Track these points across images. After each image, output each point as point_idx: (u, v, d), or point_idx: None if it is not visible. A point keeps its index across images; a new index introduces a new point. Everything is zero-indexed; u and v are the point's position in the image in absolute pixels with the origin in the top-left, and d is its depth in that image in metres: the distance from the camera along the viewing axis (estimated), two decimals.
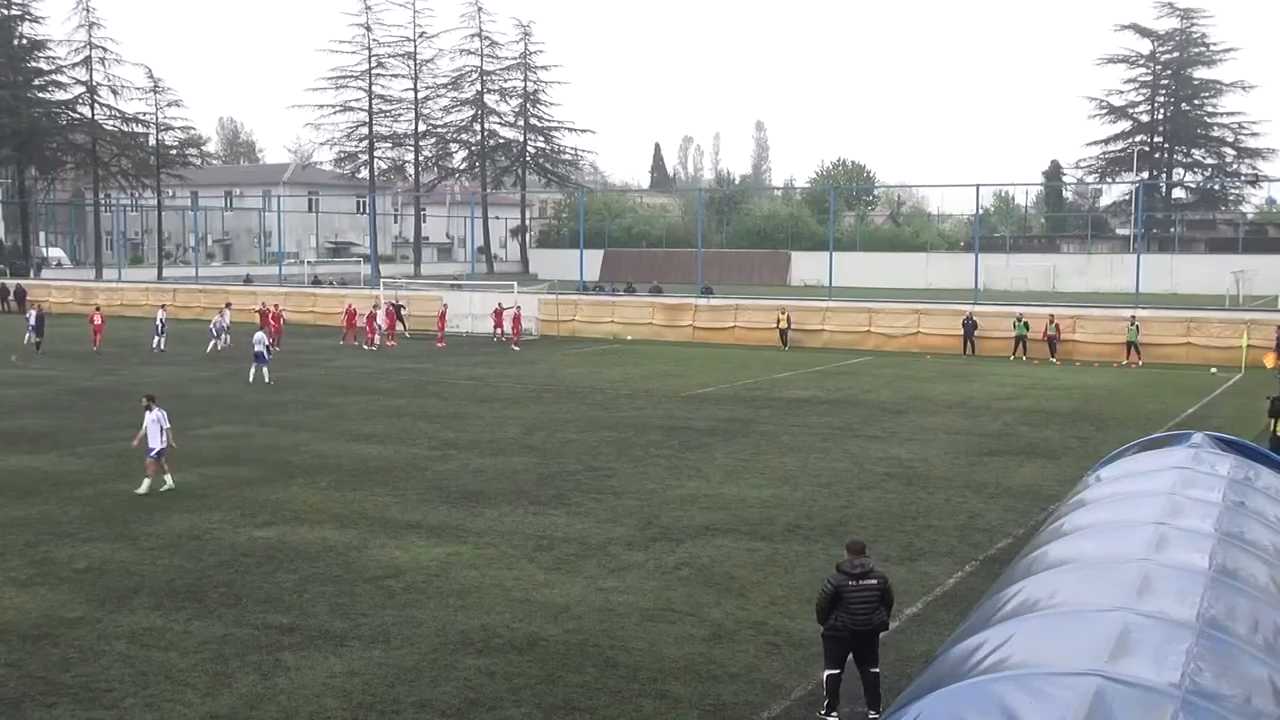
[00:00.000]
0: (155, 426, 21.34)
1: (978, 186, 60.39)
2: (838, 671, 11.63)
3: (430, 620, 14.40)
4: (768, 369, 42.24)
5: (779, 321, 50.79)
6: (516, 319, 51.52)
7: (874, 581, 11.61)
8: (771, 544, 18.09)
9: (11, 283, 73.19)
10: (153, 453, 21.31)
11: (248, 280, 78.80)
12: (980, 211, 72.12)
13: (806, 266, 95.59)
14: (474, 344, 50.87)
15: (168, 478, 21.55)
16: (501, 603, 15.09)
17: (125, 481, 22.27)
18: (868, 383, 38.78)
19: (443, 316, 51.67)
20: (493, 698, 12.09)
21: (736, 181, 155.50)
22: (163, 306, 50.70)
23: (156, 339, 46.90)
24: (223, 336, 46.49)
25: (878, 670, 11.70)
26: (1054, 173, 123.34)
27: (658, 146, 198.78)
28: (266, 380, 36.50)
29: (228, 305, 51.03)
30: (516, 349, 48.87)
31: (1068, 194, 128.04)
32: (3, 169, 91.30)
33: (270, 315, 48.61)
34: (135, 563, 16.87)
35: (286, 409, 31.80)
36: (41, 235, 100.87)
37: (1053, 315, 47.18)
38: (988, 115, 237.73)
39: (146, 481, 21.37)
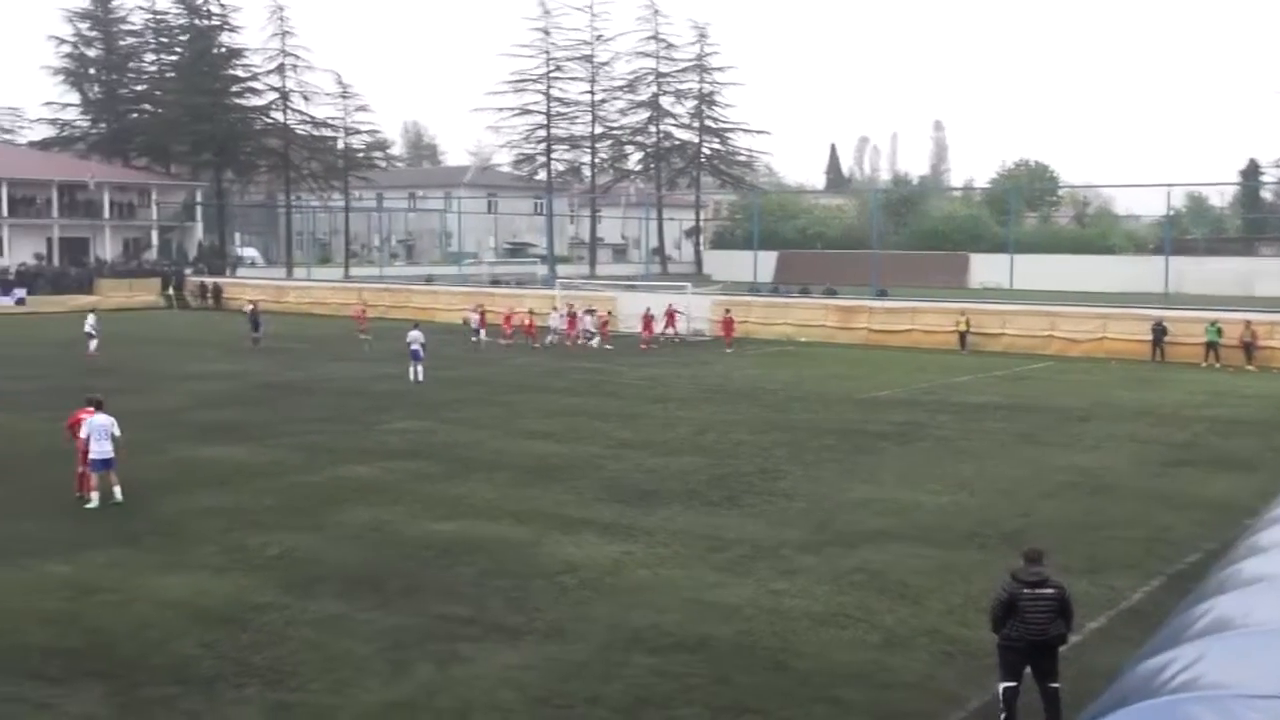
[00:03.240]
0: (102, 432, 19.83)
1: (1169, 187, 58.33)
2: (1014, 684, 11.31)
3: (603, 617, 14.55)
4: (944, 372, 41.43)
5: (959, 324, 49.77)
6: (654, 320, 51.64)
7: (1051, 591, 11.22)
8: (947, 551, 17.75)
9: (210, 280, 76.75)
10: (99, 464, 19.84)
11: (430, 280, 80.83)
12: (1171, 212, 69.46)
13: (986, 269, 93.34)
14: (641, 343, 51.03)
15: (116, 490, 20.07)
16: (673, 602, 15.16)
17: (313, 473, 23.13)
18: (1050, 388, 37.69)
19: (648, 320, 51.79)
20: (663, 696, 12.16)
21: (914, 182, 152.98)
22: (478, 307, 51.72)
23: (477, 336, 49.00)
24: (480, 334, 48.89)
25: (1058, 685, 11.33)
26: (1252, 171, 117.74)
27: (833, 147, 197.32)
28: (420, 379, 37.22)
29: (480, 307, 51.93)
30: (644, 349, 48.93)
31: (1266, 194, 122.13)
32: (202, 173, 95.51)
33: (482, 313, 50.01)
34: (322, 552, 17.50)
35: (465, 406, 32.53)
36: (237, 236, 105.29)
37: (1249, 321, 45.09)
38: (1180, 112, 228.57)
39: (96, 495, 19.98)
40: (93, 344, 44.46)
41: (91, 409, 20.62)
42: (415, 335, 38.24)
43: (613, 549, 17.66)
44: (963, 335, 49.25)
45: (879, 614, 14.79)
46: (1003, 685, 11.37)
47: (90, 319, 46.51)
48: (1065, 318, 49.75)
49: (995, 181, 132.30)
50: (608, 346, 48.76)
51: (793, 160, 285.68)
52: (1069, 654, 12.21)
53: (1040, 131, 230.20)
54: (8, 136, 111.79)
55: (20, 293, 69.20)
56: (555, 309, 53.89)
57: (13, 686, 12.30)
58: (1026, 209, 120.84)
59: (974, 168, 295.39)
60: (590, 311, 52.92)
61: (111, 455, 19.97)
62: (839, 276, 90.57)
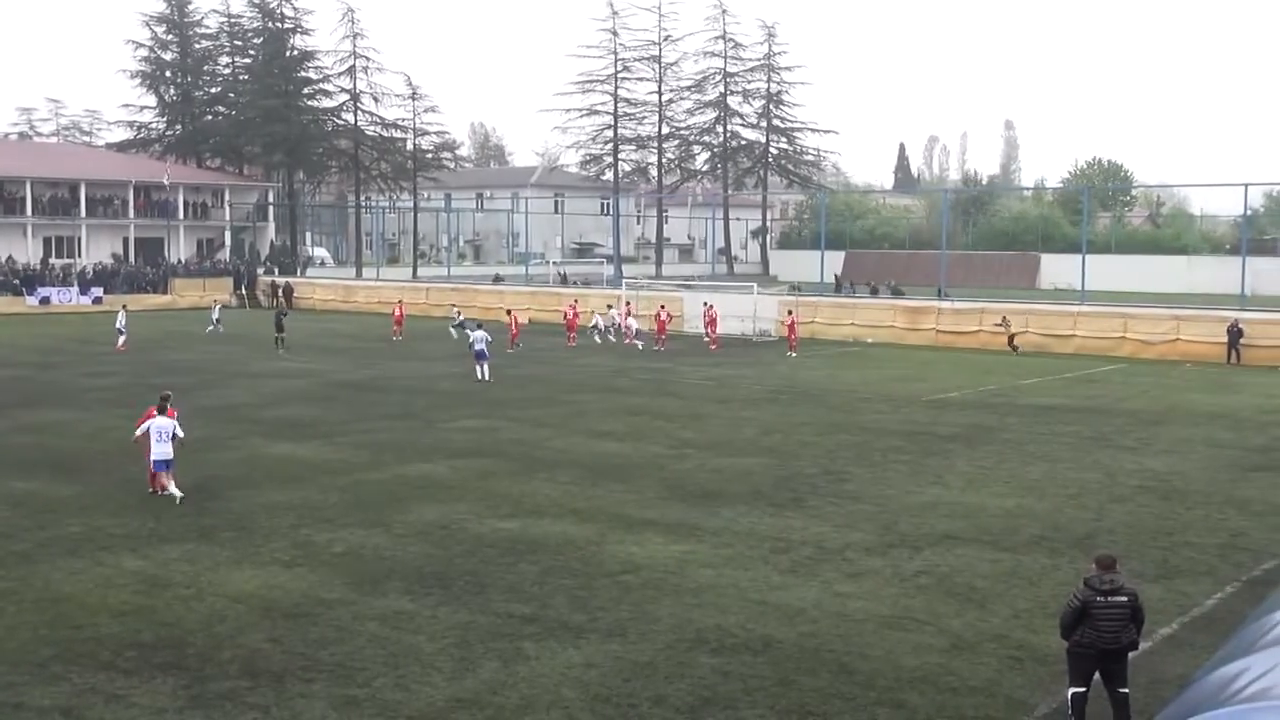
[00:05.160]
0: (163, 434, 20.24)
1: (1246, 186, 56.93)
2: (1084, 690, 11.16)
3: (666, 617, 14.55)
4: (1012, 374, 40.96)
5: (1003, 325, 49.44)
6: (713, 320, 51.53)
7: (1124, 599, 11.05)
8: (1015, 555, 17.53)
9: (281, 280, 77.79)
10: (160, 464, 20.35)
11: (497, 280, 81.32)
12: (1248, 212, 68.03)
13: (1057, 269, 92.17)
14: (700, 343, 50.94)
15: (173, 487, 20.41)
16: (737, 603, 15.12)
17: (379, 470, 23.36)
18: (1121, 391, 37.13)
19: (713, 320, 51.80)
20: (727, 697, 12.13)
21: (984, 182, 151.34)
22: (613, 306, 52.53)
23: (602, 334, 51.08)
24: (609, 331, 50.75)
25: (1127, 691, 11.16)
26: None
27: (902, 147, 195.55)
28: (487, 378, 37.47)
29: (610, 307, 52.65)
30: (714, 349, 48.81)
31: None
32: (274, 173, 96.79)
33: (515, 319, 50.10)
34: (388, 549, 17.66)
35: (529, 405, 32.68)
36: (308, 236, 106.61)
37: None
38: (1258, 109, 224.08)
39: (174, 486, 20.38)
40: (121, 339, 45.98)
41: (165, 406, 21.07)
42: (480, 335, 38.48)
43: (676, 549, 17.65)
44: (1011, 337, 48.81)
45: (945, 618, 14.65)
46: (1072, 691, 11.23)
47: (120, 315, 48.52)
48: (1138, 319, 49.00)
49: (1067, 181, 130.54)
50: (657, 348, 48.58)
51: (861, 160, 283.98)
52: (1140, 661, 12.02)
53: (1113, 130, 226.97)
54: (86, 138, 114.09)
55: (98, 292, 70.63)
56: (611, 307, 54.08)
57: (87, 678, 12.54)
58: (1099, 209, 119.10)
59: (1045, 167, 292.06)
60: (629, 313, 53.06)
61: (171, 456, 20.31)
62: (907, 276, 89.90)
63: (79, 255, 77.55)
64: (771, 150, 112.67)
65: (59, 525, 18.88)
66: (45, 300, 69.24)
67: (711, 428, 28.99)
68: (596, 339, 49.94)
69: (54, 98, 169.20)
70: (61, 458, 24.50)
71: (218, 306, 57.76)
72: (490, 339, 39.03)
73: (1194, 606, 15.23)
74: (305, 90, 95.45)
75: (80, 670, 12.75)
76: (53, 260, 76.25)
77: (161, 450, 20.28)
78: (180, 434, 20.60)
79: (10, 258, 73.56)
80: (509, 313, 51.45)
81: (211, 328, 54.57)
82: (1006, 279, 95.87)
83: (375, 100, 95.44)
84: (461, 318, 53.56)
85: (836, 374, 40.89)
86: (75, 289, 71.30)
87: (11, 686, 12.31)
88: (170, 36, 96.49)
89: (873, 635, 14.00)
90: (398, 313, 53.95)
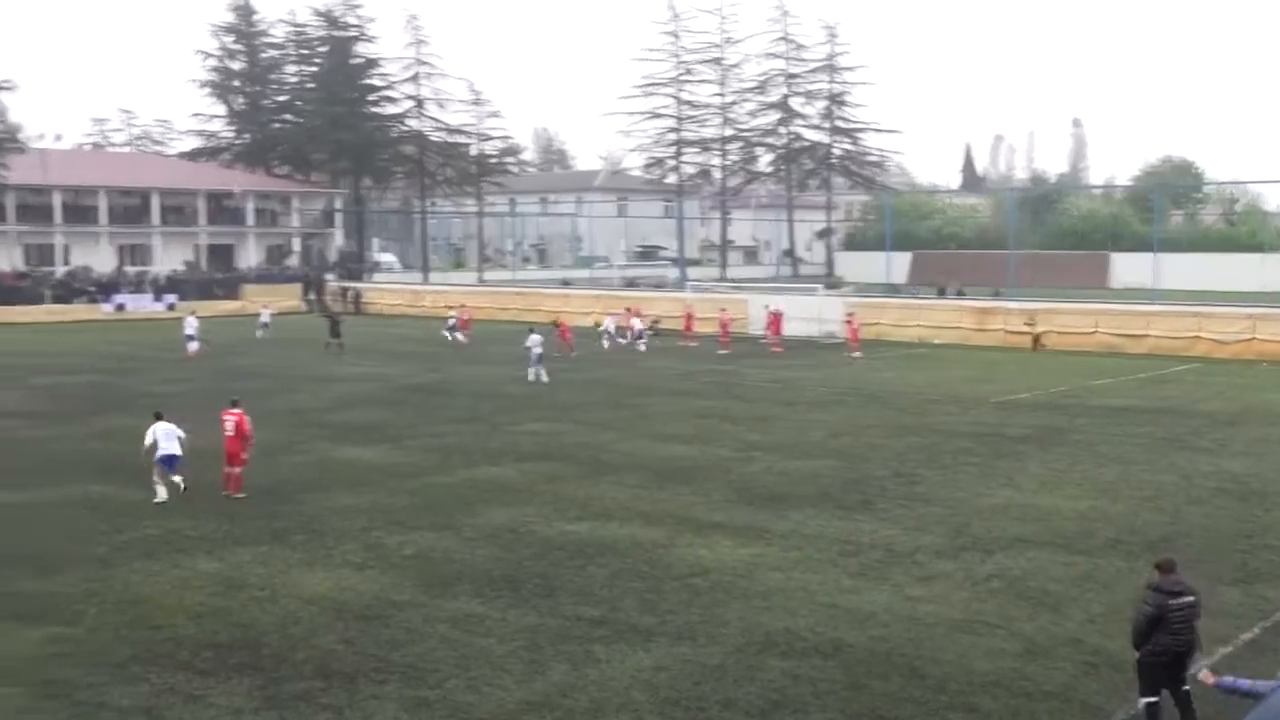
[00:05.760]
0: (170, 435, 21.33)
1: None
2: (1157, 700, 11.09)
3: (735, 620, 14.53)
4: (1083, 375, 40.40)
5: (1029, 324, 49.01)
6: (776, 322, 51.24)
7: (1190, 599, 11.08)
8: (1090, 559, 17.30)
9: (351, 285, 78.59)
10: (165, 459, 21.23)
11: (565, 284, 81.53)
12: None
13: (1128, 268, 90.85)
14: (773, 345, 50.78)
15: (178, 478, 21.33)
16: (806, 606, 15.07)
17: (448, 473, 23.56)
18: (1196, 391, 36.49)
19: (776, 321, 51.60)
20: (797, 701, 12.09)
21: (1051, 181, 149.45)
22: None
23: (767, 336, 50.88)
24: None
25: (1189, 688, 11.11)
26: None
27: (968, 146, 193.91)
28: (543, 379, 37.79)
29: (626, 309, 53.04)
30: (777, 351, 48.54)
31: None
32: (341, 180, 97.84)
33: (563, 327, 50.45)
34: (457, 551, 17.80)
35: (595, 408, 32.77)
36: (374, 241, 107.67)
37: None
38: None
39: (162, 489, 21.19)
40: (192, 345, 46.86)
41: (235, 409, 21.43)
42: (535, 339, 39.15)
43: (745, 552, 17.62)
44: (1036, 338, 48.34)
45: (1018, 622, 14.49)
46: (1147, 700, 11.17)
47: (192, 322, 48.83)
48: (1212, 318, 48.15)
49: (1138, 179, 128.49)
50: (721, 351, 48.36)
51: (926, 160, 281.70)
52: (1220, 666, 11.81)
53: (1183, 127, 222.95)
54: (158, 148, 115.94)
55: (171, 299, 71.85)
56: (628, 310, 53.75)
57: (166, 678, 12.77)
58: (1172, 207, 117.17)
59: (1114, 165, 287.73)
60: (639, 315, 52.92)
61: (178, 453, 21.28)
62: (974, 277, 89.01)
63: (152, 263, 78.98)
64: (835, 151, 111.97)
65: (136, 528, 19.24)
66: (120, 307, 70.54)
67: (778, 430, 28.90)
68: (605, 344, 49.08)
69: (126, 108, 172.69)
70: (136, 462, 24.85)
71: (266, 311, 58.23)
72: (544, 340, 39.45)
73: (1275, 611, 14.94)
74: (370, 97, 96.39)
75: (159, 670, 12.99)
76: (126, 267, 77.76)
77: (169, 448, 21.29)
78: (183, 435, 21.60)
79: (87, 266, 75.14)
80: (557, 323, 51.94)
81: (260, 331, 55.23)
82: (1076, 279, 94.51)
83: (439, 106, 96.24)
84: (453, 321, 54.06)
85: (904, 375, 40.58)
86: (149, 296, 72.64)
87: (93, 686, 12.57)
88: (238, 46, 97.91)
89: (944, 639, 13.89)
90: (461, 317, 54.35)
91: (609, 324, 51.14)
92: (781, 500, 21.08)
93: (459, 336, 52.37)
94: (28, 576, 16.57)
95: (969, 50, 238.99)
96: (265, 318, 57.04)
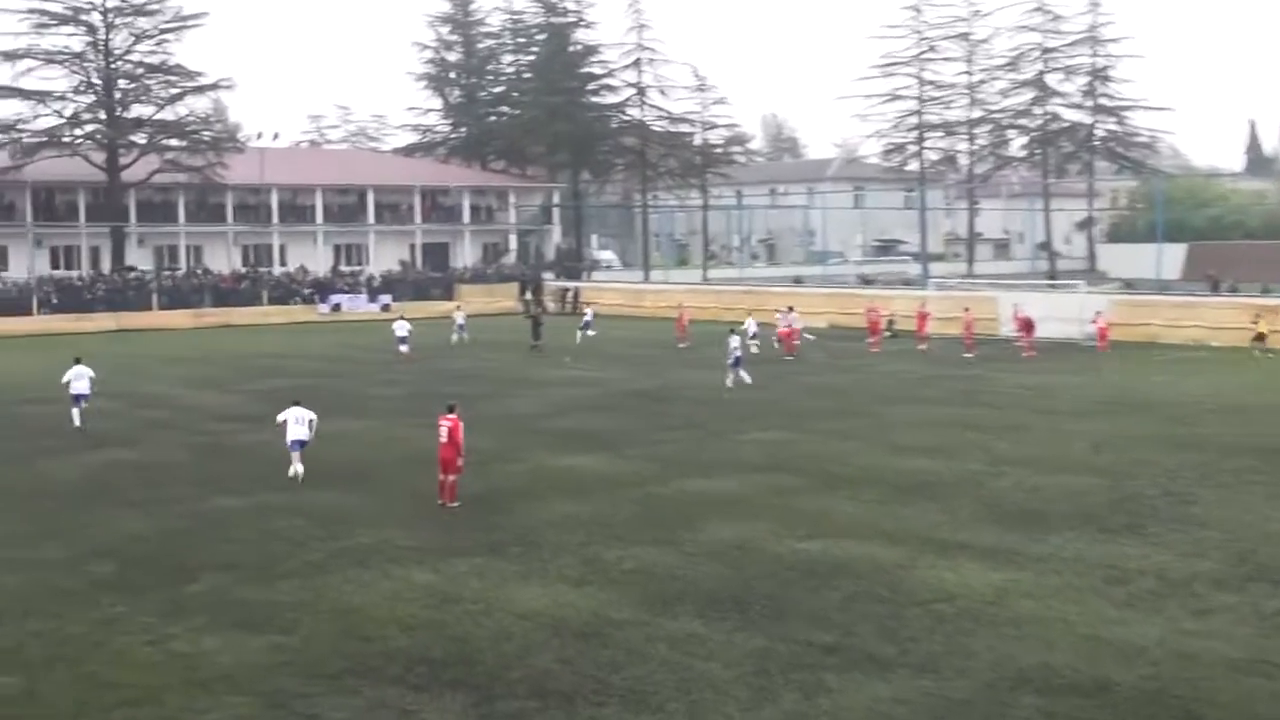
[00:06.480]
0: (301, 419, 24.69)
1: None
2: None
3: (984, 651, 14.18)
4: None
5: (1257, 322, 46.15)
6: (1026, 324, 49.31)
7: None
8: None
9: (571, 285, 79.78)
10: (295, 444, 24.62)
11: (798, 281, 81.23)
12: None
13: None
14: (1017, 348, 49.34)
15: (299, 468, 24.65)
16: (1065, 639, 14.58)
17: (669, 485, 23.76)
18: None
19: (1028, 324, 50.13)
20: None
21: None
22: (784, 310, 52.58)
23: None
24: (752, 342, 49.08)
25: None
26: None
27: (1252, 124, 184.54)
28: (745, 380, 37.75)
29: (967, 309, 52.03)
30: (1030, 355, 46.89)
31: None
32: (559, 174, 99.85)
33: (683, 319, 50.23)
34: (680, 568, 17.92)
35: (826, 416, 32.52)
36: (593, 238, 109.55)
37: None
38: None
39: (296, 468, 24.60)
40: (403, 348, 48.64)
41: (451, 415, 22.12)
42: (735, 341, 39.26)
43: (995, 576, 17.19)
44: (1260, 336, 46.32)
45: None
46: None
47: (403, 324, 50.49)
48: None
49: None
50: (966, 355, 47.10)
51: (1203, 140, 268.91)
52: None
53: None
54: (373, 144, 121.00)
55: (385, 299, 74.67)
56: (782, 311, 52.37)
57: (379, 692, 13.27)
58: None
59: None
60: (790, 310, 51.52)
61: (304, 438, 24.59)
62: (1262, 272, 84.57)
63: (367, 261, 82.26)
64: (1097, 132, 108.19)
65: (349, 536, 20.08)
66: (336, 308, 73.87)
67: (1032, 442, 28.11)
68: (754, 348, 47.64)
69: (342, 104, 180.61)
70: (350, 468, 26.03)
71: (461, 313, 57.60)
72: (746, 339, 39.58)
73: None
74: (589, 86, 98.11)
75: (372, 684, 13.50)
76: (342, 267, 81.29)
77: (297, 432, 24.58)
78: (313, 417, 24.94)
79: (302, 267, 78.86)
80: (679, 317, 52.60)
81: (456, 337, 54.60)
82: None
83: (661, 93, 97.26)
84: (460, 321, 55.06)
85: (1178, 382, 38.84)
86: (364, 296, 75.75)
87: (307, 697, 13.16)
88: (454, 37, 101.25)
89: (1224, 680, 13.24)
90: (681, 318, 54.64)
91: (750, 325, 49.68)
92: (1036, 520, 20.49)
93: (464, 338, 52.48)
94: (249, 583, 17.50)
95: (1254, 14, 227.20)
96: (460, 320, 56.31)
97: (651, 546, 19.12)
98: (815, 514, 21.16)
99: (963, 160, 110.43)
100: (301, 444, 24.64)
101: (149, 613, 16.11)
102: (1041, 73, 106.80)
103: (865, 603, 16.06)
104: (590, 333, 54.20)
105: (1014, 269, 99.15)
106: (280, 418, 25.07)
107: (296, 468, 24.53)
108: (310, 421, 24.82)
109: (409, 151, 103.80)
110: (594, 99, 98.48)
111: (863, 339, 50.97)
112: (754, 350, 46.47)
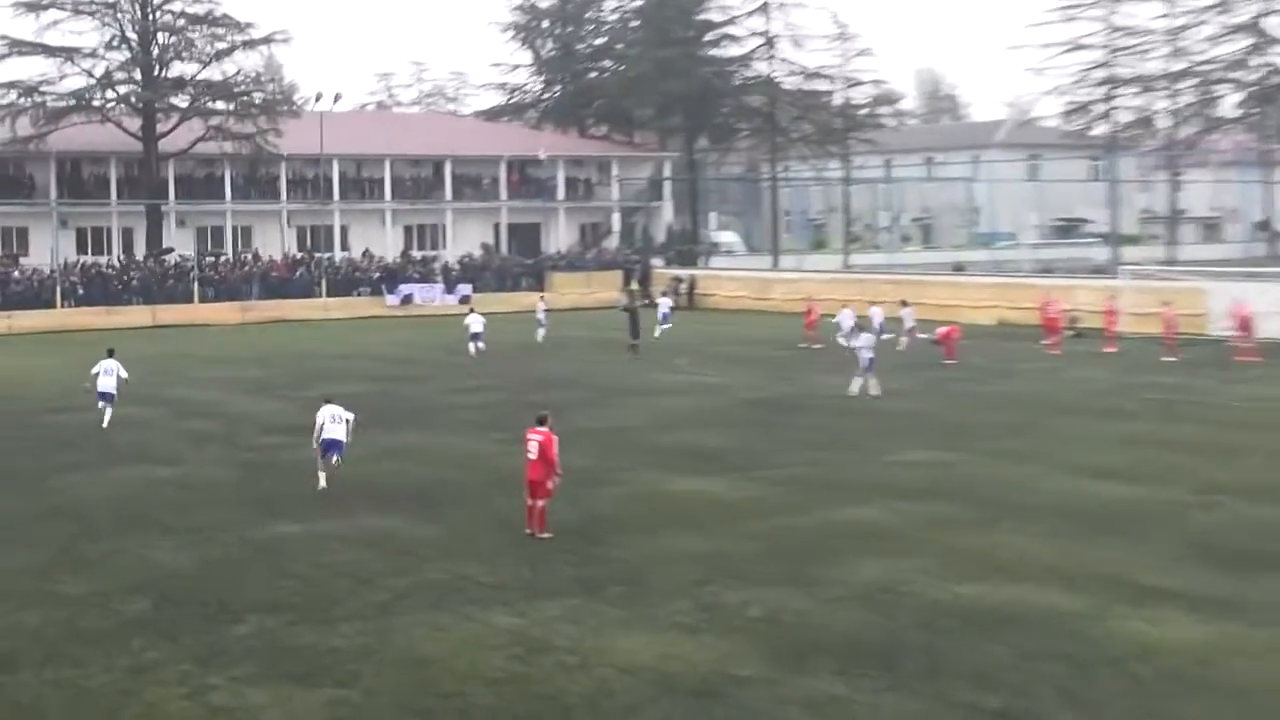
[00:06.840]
0: (337, 417, 25.56)
1: None
2: None
3: None
4: None
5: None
6: (1246, 321, 48.21)
7: None
8: None
9: (686, 274, 79.39)
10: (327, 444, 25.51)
11: (959, 269, 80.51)
12: None
13: None
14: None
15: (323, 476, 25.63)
16: None
17: (804, 514, 23.60)
18: None
19: (1246, 322, 49.24)
20: None
21: None
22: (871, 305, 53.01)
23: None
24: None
25: None
26: None
27: None
28: (871, 392, 37.76)
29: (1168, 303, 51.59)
30: (1250, 360, 45.84)
31: None
32: (671, 141, 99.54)
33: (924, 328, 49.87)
34: (815, 614, 17.76)
35: (997, 432, 32.15)
36: (712, 217, 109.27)
37: None
38: None
39: (323, 476, 25.68)
40: (476, 345, 49.64)
41: (542, 428, 22.15)
42: (866, 338, 39.51)
43: (1204, 630, 16.84)
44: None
45: None
46: None
47: (477, 319, 51.10)
48: None
49: None
50: (1168, 358, 46.31)
51: None
52: None
53: None
54: (452, 106, 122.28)
55: (465, 289, 74.80)
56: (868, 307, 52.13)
57: None
58: None
59: None
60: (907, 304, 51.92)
61: (340, 439, 25.45)
62: None
63: (443, 245, 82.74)
64: None
65: (420, 571, 20.19)
66: (407, 299, 74.48)
67: (1253, 467, 27.61)
68: (842, 342, 47.11)
69: (417, 60, 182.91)
70: (425, 490, 26.22)
71: (542, 306, 58.32)
72: (878, 339, 40.11)
73: None
74: (707, 36, 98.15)
75: None
76: (414, 252, 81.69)
77: (334, 430, 25.35)
78: (351, 416, 25.88)
79: (367, 251, 79.52)
80: (808, 312, 53.00)
81: (541, 331, 55.89)
82: None
83: (794, 44, 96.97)
84: (540, 316, 56.20)
85: None
86: (440, 286, 76.12)
87: None
88: None
89: None
90: (810, 314, 54.30)
91: (844, 319, 49.40)
92: (1257, 561, 20.08)
93: (480, 346, 50.78)
94: (303, 625, 17.65)
95: None
96: (541, 315, 56.91)
97: (782, 588, 18.99)
98: (982, 551, 20.92)
99: (1162, 122, 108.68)
100: (338, 446, 25.52)
101: (186, 659, 16.31)
102: (1259, 15, 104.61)
103: (1042, 660, 15.80)
104: (667, 325, 56.65)
105: (1226, 253, 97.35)
106: (318, 420, 25.75)
107: (331, 468, 25.72)
108: (348, 421, 25.63)
109: (493, 115, 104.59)
110: (713, 51, 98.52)
111: (1038, 339, 50.44)
112: (900, 347, 47.05)
